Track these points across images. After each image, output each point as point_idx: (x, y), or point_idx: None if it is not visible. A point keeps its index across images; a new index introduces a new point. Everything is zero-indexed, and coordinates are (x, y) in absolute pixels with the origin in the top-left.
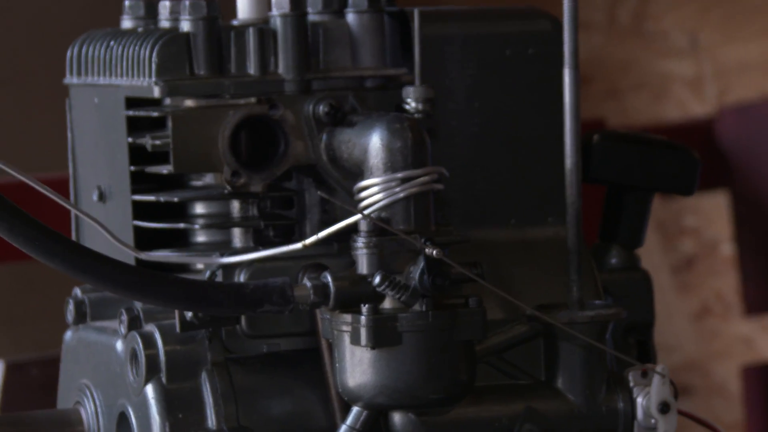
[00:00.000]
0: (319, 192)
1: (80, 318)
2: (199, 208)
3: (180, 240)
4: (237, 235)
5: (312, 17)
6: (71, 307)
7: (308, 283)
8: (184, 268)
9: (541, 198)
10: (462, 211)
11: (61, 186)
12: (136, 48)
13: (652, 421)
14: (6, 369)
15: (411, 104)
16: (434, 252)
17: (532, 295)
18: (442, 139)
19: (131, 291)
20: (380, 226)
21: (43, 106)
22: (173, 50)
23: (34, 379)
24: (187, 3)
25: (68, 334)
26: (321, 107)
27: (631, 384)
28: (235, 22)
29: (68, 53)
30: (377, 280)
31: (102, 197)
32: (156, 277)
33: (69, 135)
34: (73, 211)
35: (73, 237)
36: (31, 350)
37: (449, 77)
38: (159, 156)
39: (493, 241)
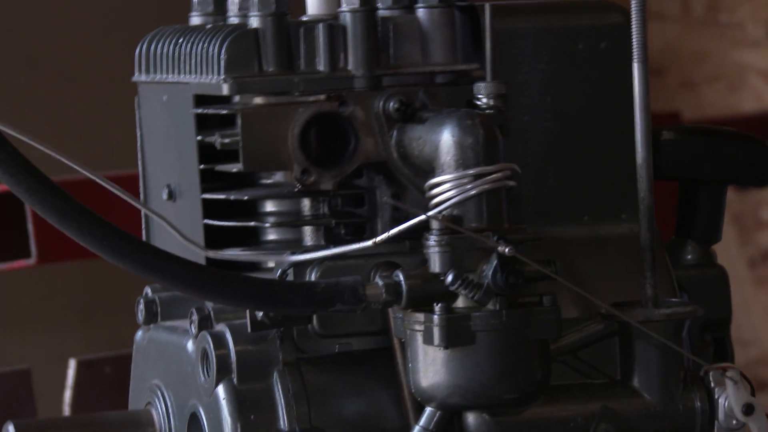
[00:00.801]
0: (384, 199)
1: (151, 318)
2: (270, 206)
3: (250, 238)
4: (308, 234)
5: (382, 12)
6: (142, 306)
7: (380, 282)
8: (255, 266)
9: (614, 194)
10: (535, 208)
11: (131, 184)
12: (205, 45)
13: (734, 422)
14: (78, 367)
15: (482, 100)
16: (507, 250)
17: (607, 293)
18: (514, 135)
19: (200, 290)
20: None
21: (114, 102)
22: (242, 47)
23: (108, 377)
24: None
25: (139, 334)
26: (391, 103)
27: (712, 384)
28: (304, 18)
29: (137, 50)
30: (450, 278)
31: (171, 196)
32: (225, 276)
33: (138, 133)
34: (143, 210)
35: (143, 236)
36: (105, 348)
37: (521, 72)
38: (228, 154)
39: (567, 238)
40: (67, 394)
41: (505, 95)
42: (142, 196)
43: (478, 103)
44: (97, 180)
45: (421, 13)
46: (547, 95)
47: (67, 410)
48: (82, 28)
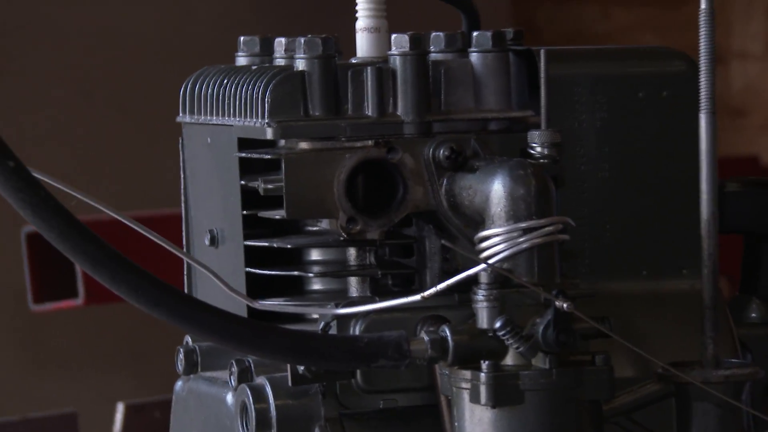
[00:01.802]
0: (442, 241)
1: (191, 368)
2: (315, 255)
3: (295, 288)
4: (353, 284)
5: (433, 56)
6: (182, 356)
7: (426, 337)
8: (299, 317)
9: (675, 248)
10: (591, 262)
11: (176, 223)
12: (249, 87)
13: None
14: (126, 411)
15: (536, 149)
16: (566, 305)
17: (665, 352)
18: (570, 185)
19: (236, 342)
20: (502, 279)
21: (168, 136)
22: (287, 90)
23: (157, 422)
24: (303, 40)
25: (179, 384)
26: (441, 151)
27: None
28: (353, 60)
29: (181, 90)
30: (499, 324)
31: (214, 241)
32: (263, 327)
33: (182, 175)
34: (185, 259)
35: (185, 283)
36: (155, 391)
37: (578, 120)
38: (272, 200)
39: (624, 293)
40: None
41: (560, 144)
42: (184, 240)
43: (532, 152)
44: (138, 229)
45: (474, 57)
46: (606, 145)
47: None
48: (136, 61)
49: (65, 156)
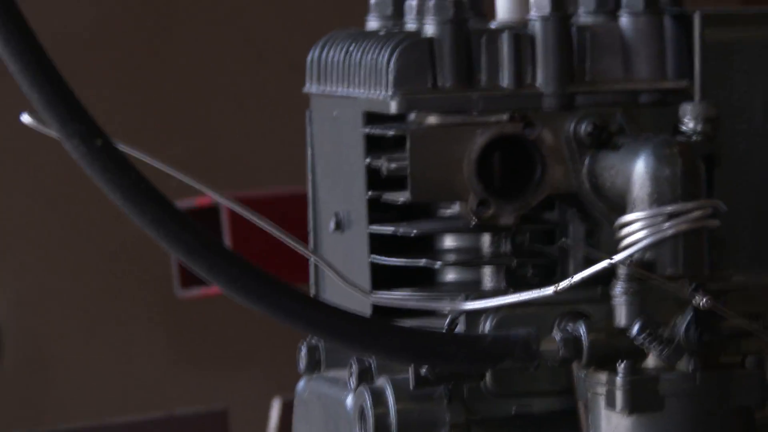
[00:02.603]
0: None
1: (313, 366)
2: (445, 242)
3: (426, 277)
4: (487, 275)
5: (578, 19)
6: (303, 353)
7: (558, 336)
8: (431, 311)
9: None
10: (751, 252)
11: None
12: (374, 54)
13: None
14: (283, 408)
15: (689, 124)
16: (704, 301)
17: None
18: (729, 165)
19: (348, 341)
20: (643, 270)
21: (286, 117)
22: (414, 58)
23: None
24: (432, 3)
25: (301, 384)
26: (584, 126)
27: None
28: (492, 25)
29: (308, 58)
30: (636, 328)
31: (339, 226)
32: (378, 325)
33: (309, 151)
34: (304, 253)
35: (312, 271)
36: None
37: (738, 92)
38: (397, 181)
39: None
40: None
41: (716, 119)
42: (311, 224)
43: (684, 128)
44: (239, 210)
45: (624, 21)
46: None
47: None
48: (259, 24)
49: (171, 133)
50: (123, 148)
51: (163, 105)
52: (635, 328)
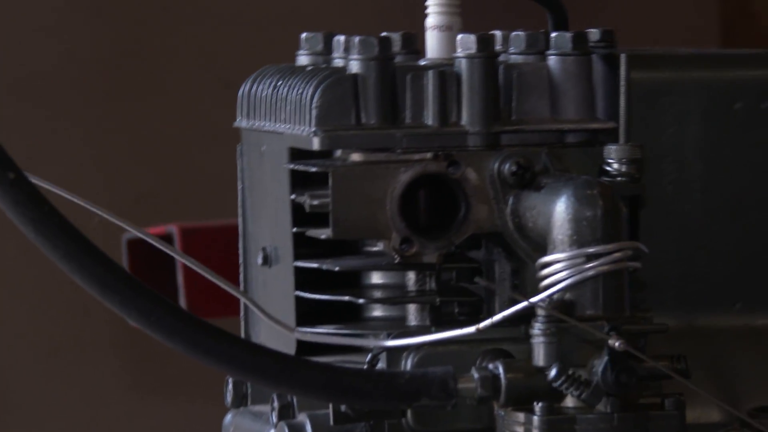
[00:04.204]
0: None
1: (240, 400)
2: (372, 278)
3: (353, 313)
4: (412, 312)
5: (505, 59)
6: (230, 387)
7: (476, 374)
8: (357, 348)
9: None
10: (678, 293)
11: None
12: (299, 90)
13: None
14: None
15: (613, 165)
16: (618, 344)
17: (759, 393)
18: (654, 207)
19: (260, 377)
20: (561, 311)
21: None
22: (337, 95)
23: None
24: (357, 40)
25: (227, 418)
26: (508, 166)
27: None
28: (421, 62)
29: (239, 92)
30: (553, 373)
31: (267, 261)
32: (293, 361)
33: (239, 185)
34: (227, 288)
35: (241, 306)
36: None
37: (666, 134)
38: (321, 217)
39: (715, 328)
40: None
41: (640, 160)
42: (241, 258)
43: (608, 168)
44: (174, 255)
45: (552, 61)
46: (697, 161)
47: None
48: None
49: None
50: (36, 181)
51: (130, 138)
52: (552, 373)
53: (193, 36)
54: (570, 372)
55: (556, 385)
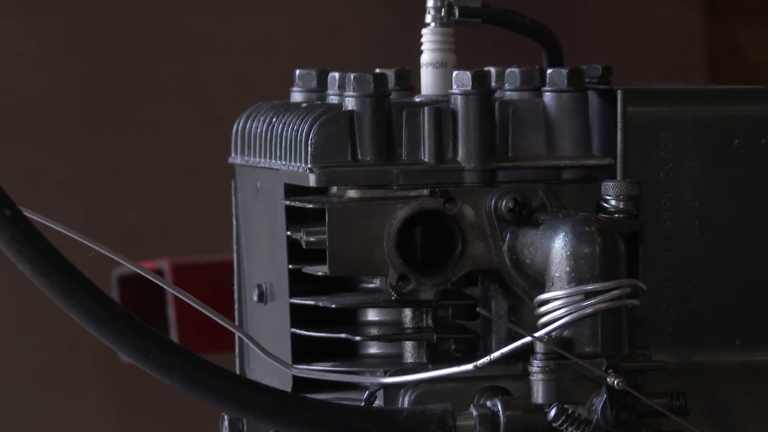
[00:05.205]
0: (477, 309)
1: None
2: (369, 315)
3: (349, 350)
4: (409, 349)
5: (503, 95)
6: (226, 424)
7: (474, 412)
8: (354, 385)
9: None
10: (675, 329)
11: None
12: (294, 127)
13: None
14: None
15: (611, 202)
16: (616, 382)
17: (759, 430)
18: (652, 244)
19: (257, 414)
20: (561, 348)
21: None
22: (333, 131)
23: None
24: (352, 77)
25: None
26: (504, 202)
27: None
28: (417, 98)
29: (233, 129)
30: (552, 414)
31: (262, 297)
32: (289, 398)
33: (234, 222)
34: (224, 324)
35: (236, 341)
36: None
37: (664, 170)
38: (317, 254)
39: (713, 365)
40: None
41: (637, 197)
42: (236, 295)
43: (606, 205)
44: (171, 290)
45: (548, 97)
46: (695, 198)
47: None
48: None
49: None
50: (32, 216)
51: (117, 168)
52: (551, 414)
53: (178, 67)
54: (569, 411)
55: (556, 425)
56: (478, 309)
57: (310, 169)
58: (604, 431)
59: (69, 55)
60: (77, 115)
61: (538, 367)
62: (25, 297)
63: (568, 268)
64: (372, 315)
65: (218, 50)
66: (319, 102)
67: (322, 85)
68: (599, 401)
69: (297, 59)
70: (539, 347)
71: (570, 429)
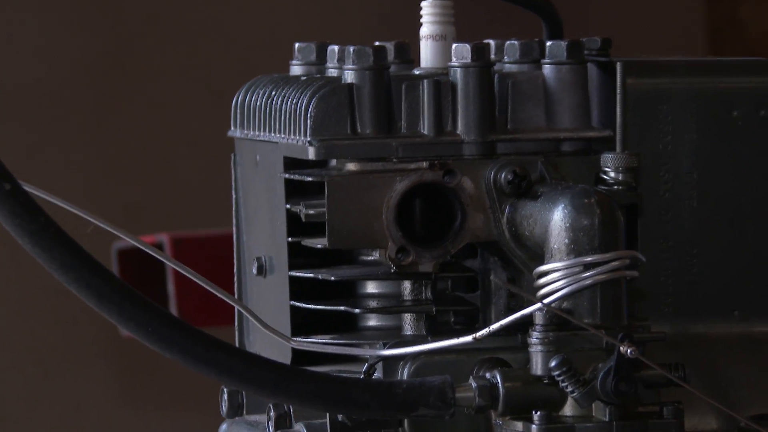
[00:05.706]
0: (492, 277)
1: (234, 410)
2: (368, 288)
3: (347, 323)
4: (408, 321)
5: (502, 67)
6: (225, 397)
7: (474, 384)
8: (353, 357)
9: None
10: (674, 301)
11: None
12: (294, 100)
13: None
14: None
15: (610, 174)
16: (630, 351)
17: (757, 401)
18: (652, 215)
19: (259, 387)
20: (559, 320)
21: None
22: (332, 104)
23: None
24: (352, 50)
25: (222, 428)
26: (503, 174)
27: None
28: (416, 71)
29: (233, 102)
30: (554, 363)
31: (261, 270)
32: (290, 371)
33: (233, 195)
34: (223, 297)
35: (236, 314)
36: None
37: (663, 142)
38: (316, 227)
39: (712, 337)
40: None
41: (637, 169)
42: (235, 268)
43: (605, 177)
44: (170, 264)
45: (547, 69)
46: (694, 169)
47: None
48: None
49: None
50: (32, 191)
51: (117, 147)
52: (554, 364)
53: (178, 43)
54: (571, 365)
55: (554, 374)
56: (492, 278)
57: (309, 142)
58: (596, 397)
59: (72, 33)
60: (78, 92)
61: (537, 338)
62: (25, 272)
63: (567, 240)
64: (371, 287)
65: (219, 25)
66: (318, 75)
67: (322, 58)
68: (603, 368)
69: (298, 33)
70: (538, 318)
71: (565, 383)
